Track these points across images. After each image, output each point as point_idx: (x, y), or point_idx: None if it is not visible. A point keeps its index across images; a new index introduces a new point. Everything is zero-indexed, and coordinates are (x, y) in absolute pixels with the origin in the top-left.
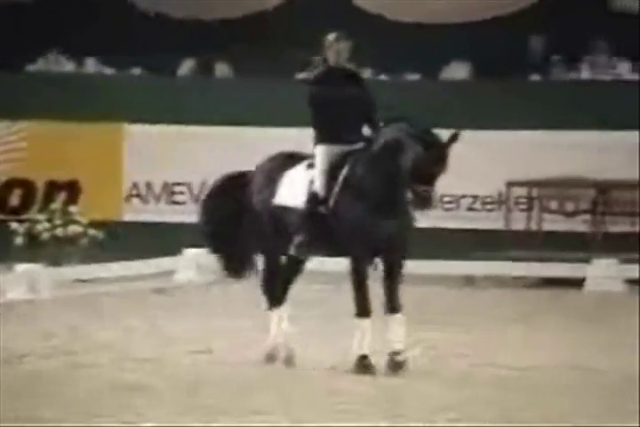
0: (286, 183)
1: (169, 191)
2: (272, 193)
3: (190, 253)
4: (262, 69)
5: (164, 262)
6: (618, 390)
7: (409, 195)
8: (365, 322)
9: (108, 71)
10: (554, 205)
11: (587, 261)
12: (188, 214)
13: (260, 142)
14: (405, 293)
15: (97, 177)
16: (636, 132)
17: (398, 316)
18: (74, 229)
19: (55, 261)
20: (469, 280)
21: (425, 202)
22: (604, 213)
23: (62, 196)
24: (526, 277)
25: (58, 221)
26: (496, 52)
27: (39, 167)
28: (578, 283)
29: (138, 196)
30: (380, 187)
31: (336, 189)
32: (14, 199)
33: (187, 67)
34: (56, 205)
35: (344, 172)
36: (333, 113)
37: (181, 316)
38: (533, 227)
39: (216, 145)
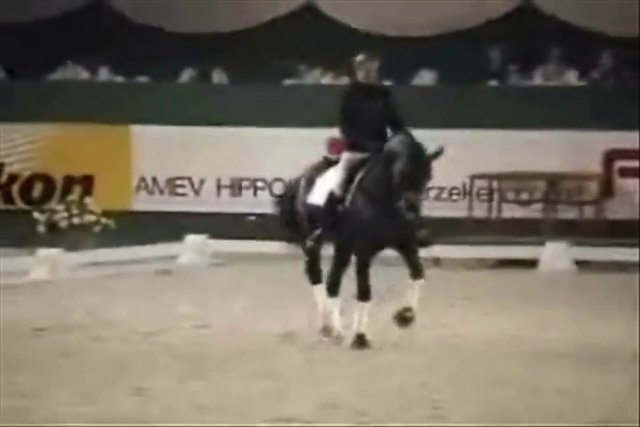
0: (319, 185)
1: (172, 185)
2: (309, 193)
3: (191, 238)
4: (255, 76)
5: (169, 247)
6: (558, 357)
7: (401, 201)
8: (365, 305)
9: (118, 79)
10: (511, 195)
11: (540, 244)
12: (189, 205)
13: (254, 141)
14: (380, 274)
15: (108, 172)
16: (582, 132)
17: (420, 281)
18: (88, 218)
19: (72, 247)
20: (437, 262)
21: (412, 208)
22: (555, 202)
23: (78, 189)
24: (487, 258)
25: (74, 211)
26: (459, 62)
27: (58, 164)
28: (532, 264)
29: (145, 188)
30: (383, 191)
31: (352, 190)
32: (36, 192)
33: (187, 75)
34: (73, 197)
35: (359, 175)
36: (360, 124)
37: (184, 295)
38: (493, 215)
39: (214, 144)
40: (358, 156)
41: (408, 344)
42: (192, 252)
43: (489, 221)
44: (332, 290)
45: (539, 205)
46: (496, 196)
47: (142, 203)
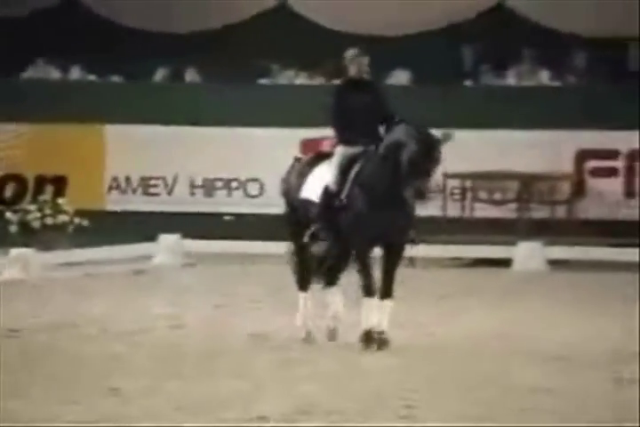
0: (311, 179)
1: (146, 184)
2: (300, 188)
3: (165, 238)
4: (228, 76)
5: (142, 247)
6: (533, 356)
7: (408, 189)
8: (372, 301)
9: (91, 78)
10: (484, 195)
11: (513, 243)
12: (163, 205)
13: (227, 141)
14: (354, 273)
15: (81, 172)
16: (554, 131)
17: (388, 302)
18: (61, 218)
19: (45, 247)
20: (411, 261)
21: (421, 193)
22: (528, 202)
23: (51, 189)
24: (461, 258)
25: (47, 211)
26: (433, 62)
27: (30, 164)
28: (506, 263)
29: (118, 188)
30: (383, 183)
31: (347, 184)
32: (8, 192)
33: (160, 74)
34: (45, 196)
35: (355, 169)
36: (352, 119)
37: (158, 295)
38: (467, 214)
39: (187, 143)
40: (352, 150)
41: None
42: (166, 252)
43: (462, 220)
44: (331, 283)
45: (512, 205)
46: (469, 195)
47: (115, 203)
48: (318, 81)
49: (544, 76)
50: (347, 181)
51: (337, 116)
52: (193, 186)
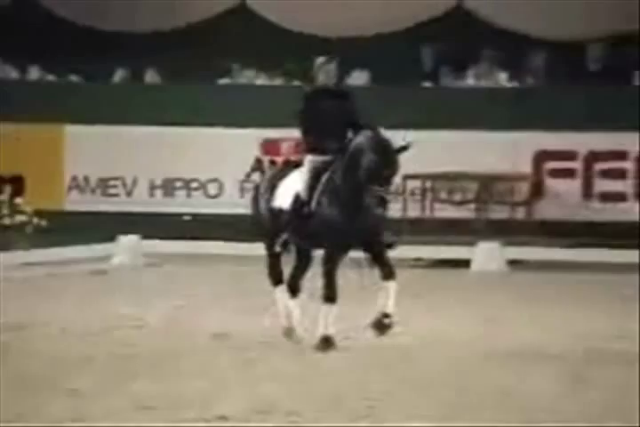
0: (282, 188)
1: (105, 185)
2: (271, 197)
3: (125, 239)
4: (188, 76)
5: (102, 247)
6: (493, 356)
7: (368, 196)
8: (332, 307)
9: (50, 78)
10: (444, 195)
11: (472, 244)
12: (122, 205)
13: (187, 141)
14: (318, 274)
15: (40, 172)
16: (513, 132)
17: (392, 283)
18: (20, 218)
19: (4, 247)
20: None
21: (380, 200)
22: (487, 203)
23: (9, 189)
24: (421, 258)
25: (5, 211)
26: (393, 62)
27: None
28: (465, 263)
29: (77, 188)
30: (349, 190)
31: (317, 192)
32: None
33: (120, 74)
34: (3, 197)
35: (324, 178)
36: (320, 127)
37: (118, 295)
38: (427, 215)
39: (146, 143)
40: (321, 158)
41: (344, 344)
42: (125, 252)
43: (423, 221)
44: (294, 290)
45: (471, 206)
46: (429, 196)
47: (75, 203)
48: (278, 81)
49: (503, 78)
50: (316, 190)
51: (306, 124)
52: (152, 186)
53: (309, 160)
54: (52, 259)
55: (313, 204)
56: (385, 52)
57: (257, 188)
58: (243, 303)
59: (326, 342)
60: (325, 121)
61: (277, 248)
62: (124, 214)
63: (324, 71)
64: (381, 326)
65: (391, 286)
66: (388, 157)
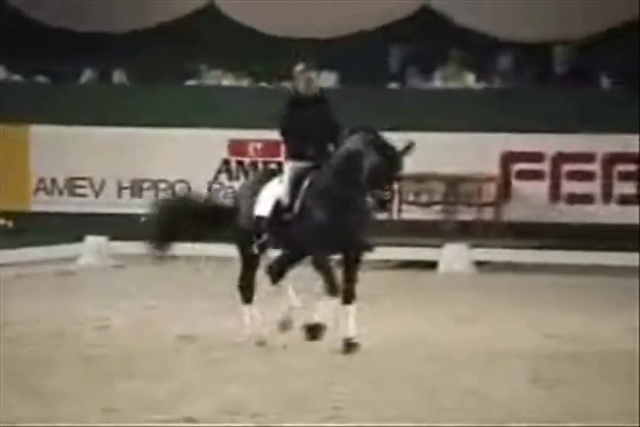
0: (262, 197)
1: (72, 185)
2: (252, 206)
3: (92, 240)
4: (155, 77)
5: (69, 248)
6: (459, 356)
7: (368, 198)
8: (332, 301)
9: (16, 78)
10: (411, 197)
11: (439, 245)
12: (90, 206)
13: (155, 142)
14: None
15: (7, 173)
16: (480, 134)
17: (351, 307)
18: None
19: None
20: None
21: (382, 204)
22: (454, 204)
23: None
24: (389, 260)
25: None
26: (360, 64)
27: None
28: (432, 265)
29: (44, 189)
30: (339, 192)
31: (300, 197)
32: None
33: (87, 75)
34: None
35: (306, 182)
36: (301, 134)
37: (84, 296)
38: (394, 216)
39: (114, 144)
40: (302, 164)
41: (311, 345)
42: (92, 253)
43: (389, 222)
44: (275, 280)
45: (438, 207)
46: (396, 197)
47: (41, 204)
48: (245, 82)
49: (470, 79)
50: (298, 195)
51: (287, 130)
52: (120, 187)
53: (290, 166)
54: (18, 260)
55: (296, 209)
56: (352, 53)
57: (235, 193)
58: (209, 305)
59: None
60: (307, 127)
61: (255, 250)
62: (91, 215)
63: (304, 79)
64: (348, 348)
65: (351, 310)
66: (392, 158)
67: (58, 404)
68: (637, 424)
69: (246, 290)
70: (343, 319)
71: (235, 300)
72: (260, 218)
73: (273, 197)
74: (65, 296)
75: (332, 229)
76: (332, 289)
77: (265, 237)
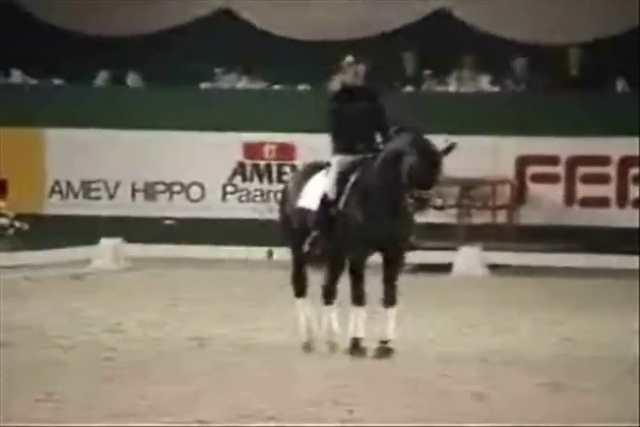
0: (308, 189)
1: (87, 188)
2: (297, 197)
3: (106, 242)
4: (170, 79)
5: (83, 251)
6: (473, 361)
7: (409, 199)
8: (361, 310)
9: (32, 82)
10: None
11: (454, 249)
12: (104, 209)
13: (169, 144)
14: (286, 276)
15: (22, 175)
16: (493, 137)
17: (392, 310)
18: (1, 221)
19: None
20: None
21: (422, 204)
22: (469, 207)
23: None
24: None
25: None
26: (374, 67)
27: None
28: (447, 268)
29: (59, 192)
30: (382, 191)
31: (345, 192)
32: None
33: (102, 77)
34: None
35: (353, 178)
36: (349, 127)
37: (98, 299)
38: None
39: (129, 146)
40: (349, 158)
41: (322, 348)
42: (106, 256)
43: None
44: (328, 297)
45: (452, 211)
46: None
47: (56, 206)
48: (260, 85)
49: (484, 82)
50: (344, 190)
51: (333, 124)
52: (134, 190)
53: (337, 161)
54: (33, 262)
55: (340, 204)
56: (367, 55)
57: (284, 191)
58: (224, 308)
59: (356, 347)
60: (353, 121)
61: (306, 247)
62: (105, 218)
63: (352, 71)
64: (383, 352)
65: (391, 313)
66: (433, 159)
67: (69, 408)
68: (637, 425)
69: (298, 284)
70: (382, 323)
71: (249, 303)
72: (305, 210)
73: (319, 190)
74: (79, 299)
75: (373, 227)
76: (360, 298)
77: (314, 233)
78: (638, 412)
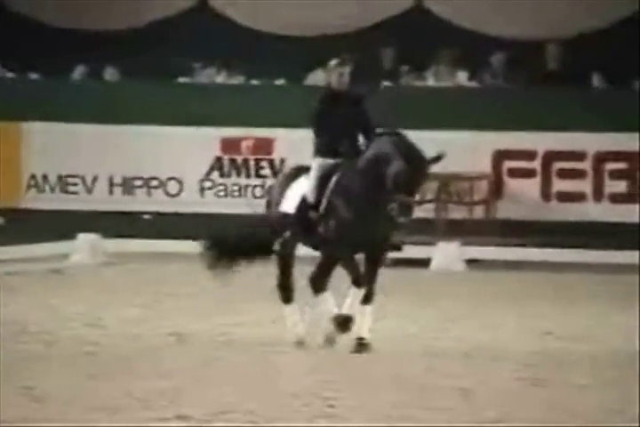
0: (290, 193)
1: (64, 183)
2: (280, 202)
3: (84, 237)
4: (147, 74)
5: (61, 246)
6: (454, 356)
7: (392, 203)
8: (360, 292)
9: (9, 75)
10: None
11: (432, 243)
12: (81, 203)
13: (147, 139)
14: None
15: None
16: (471, 132)
17: (368, 307)
18: None
19: None
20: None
21: (405, 210)
22: (446, 202)
23: None
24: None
25: None
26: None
27: None
28: (425, 263)
29: (36, 186)
30: (365, 194)
31: (326, 195)
32: None
33: (79, 71)
34: None
35: (333, 180)
36: (332, 130)
37: (76, 294)
38: None
39: (106, 141)
40: (330, 161)
41: (310, 343)
42: (84, 251)
43: None
44: (318, 288)
45: (430, 206)
46: None
47: (33, 201)
48: (238, 80)
49: (462, 77)
50: (325, 193)
51: (317, 127)
52: (112, 184)
53: (318, 163)
54: (10, 257)
55: (322, 207)
56: (344, 51)
57: (268, 194)
58: (204, 303)
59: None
60: (339, 125)
61: (276, 246)
62: (83, 213)
63: (337, 74)
64: (360, 348)
65: (367, 310)
66: (419, 166)
67: (49, 403)
68: (637, 425)
69: (284, 290)
70: (359, 319)
71: (228, 297)
72: (286, 215)
73: (299, 193)
74: (57, 294)
75: (356, 228)
76: (358, 279)
77: (287, 234)
78: (638, 411)
